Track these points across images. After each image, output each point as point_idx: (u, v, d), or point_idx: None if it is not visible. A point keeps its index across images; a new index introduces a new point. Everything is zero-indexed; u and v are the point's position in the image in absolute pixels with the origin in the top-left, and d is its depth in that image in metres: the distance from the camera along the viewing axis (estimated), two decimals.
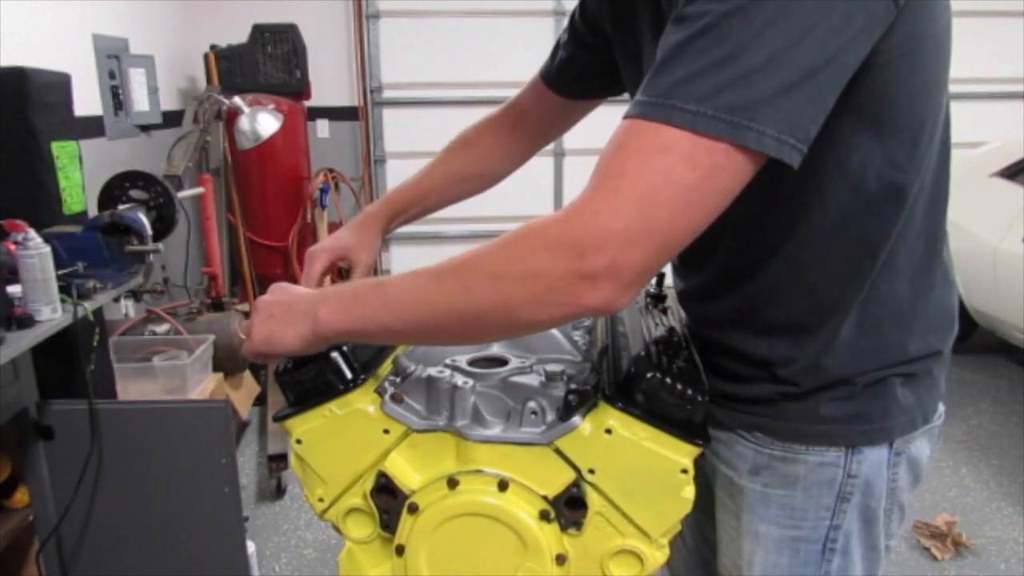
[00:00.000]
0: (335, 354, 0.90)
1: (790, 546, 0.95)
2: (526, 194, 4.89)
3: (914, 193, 0.83)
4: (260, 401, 3.30)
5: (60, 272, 1.62)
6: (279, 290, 0.86)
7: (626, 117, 0.70)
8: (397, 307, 0.75)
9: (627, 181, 0.67)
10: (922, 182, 0.83)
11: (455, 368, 0.94)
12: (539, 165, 4.82)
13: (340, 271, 1.20)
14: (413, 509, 0.89)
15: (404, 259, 4.88)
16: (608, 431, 0.84)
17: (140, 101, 3.46)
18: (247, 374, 3.12)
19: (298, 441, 0.93)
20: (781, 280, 0.87)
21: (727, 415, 0.97)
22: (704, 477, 1.06)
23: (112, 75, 3.18)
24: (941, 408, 0.97)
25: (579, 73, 1.18)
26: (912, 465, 0.95)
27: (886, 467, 0.92)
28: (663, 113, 0.66)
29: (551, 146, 4.77)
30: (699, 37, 0.65)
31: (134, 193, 2.11)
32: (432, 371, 0.91)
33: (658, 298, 1.16)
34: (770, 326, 0.90)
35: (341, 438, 0.91)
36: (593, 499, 0.87)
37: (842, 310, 0.86)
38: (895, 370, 0.90)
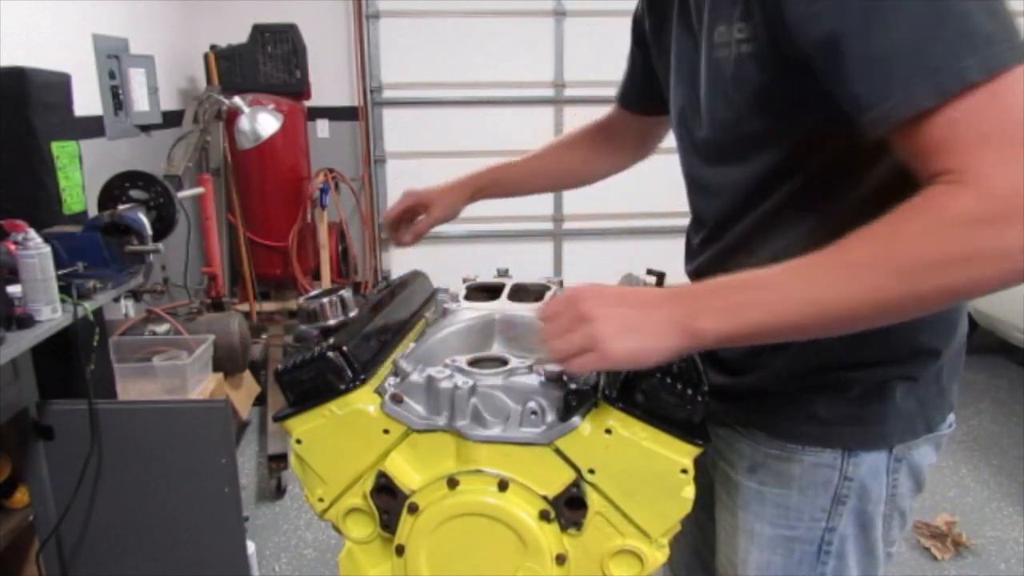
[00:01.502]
0: (335, 354, 0.90)
1: (784, 546, 0.95)
2: None
3: None
4: (260, 401, 3.30)
5: (60, 272, 1.62)
6: (611, 298, 0.76)
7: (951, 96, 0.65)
8: (806, 305, 0.70)
9: None
10: None
11: (455, 368, 0.94)
12: None
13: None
14: (413, 509, 0.89)
15: (404, 259, 4.88)
16: (608, 431, 0.84)
17: (140, 101, 3.46)
18: (247, 374, 3.12)
19: (298, 441, 0.92)
20: (795, 254, 0.77)
21: (727, 410, 0.97)
22: (706, 476, 1.06)
23: (112, 75, 3.18)
24: (951, 418, 0.96)
25: (640, 82, 1.18)
26: (914, 472, 0.94)
27: (885, 472, 0.92)
28: (1010, 56, 0.64)
29: None
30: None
31: (134, 193, 2.11)
32: (432, 371, 0.91)
33: None
34: None
35: (341, 438, 0.91)
36: (593, 499, 0.87)
37: None
38: (896, 371, 0.89)
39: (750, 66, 0.80)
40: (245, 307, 4.08)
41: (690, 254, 1.05)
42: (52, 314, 1.56)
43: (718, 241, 0.96)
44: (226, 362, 2.85)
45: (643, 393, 0.83)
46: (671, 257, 1.25)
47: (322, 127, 4.65)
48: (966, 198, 0.64)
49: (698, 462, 1.02)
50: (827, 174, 0.83)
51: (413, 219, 1.34)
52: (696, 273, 1.02)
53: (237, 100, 3.04)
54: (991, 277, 0.64)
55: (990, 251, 0.63)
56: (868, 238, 0.68)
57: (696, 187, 1.00)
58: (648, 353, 0.74)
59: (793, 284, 0.71)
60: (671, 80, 0.99)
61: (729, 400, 0.97)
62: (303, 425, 0.92)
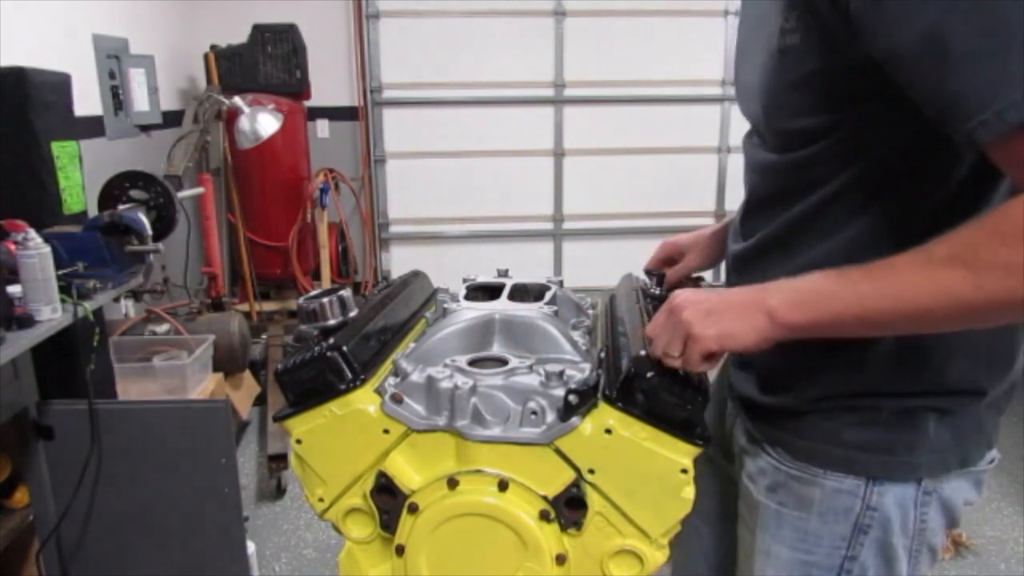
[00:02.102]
0: (335, 354, 0.90)
1: (801, 570, 0.92)
2: (526, 194, 4.90)
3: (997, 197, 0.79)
4: (260, 401, 3.30)
5: (60, 272, 1.62)
6: (692, 293, 0.83)
7: None
8: (884, 299, 0.72)
9: None
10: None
11: (455, 368, 0.94)
12: (539, 165, 4.82)
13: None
14: (413, 509, 0.89)
15: (404, 259, 4.89)
16: (608, 431, 0.84)
17: (140, 101, 3.46)
18: (247, 374, 3.12)
19: (298, 441, 0.92)
20: (836, 261, 0.78)
21: (757, 427, 0.95)
22: (729, 483, 1.06)
23: (112, 75, 3.18)
24: (991, 454, 0.92)
25: None
26: (945, 507, 0.90)
27: (913, 506, 0.88)
28: None
29: (551, 146, 4.78)
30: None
31: (134, 193, 2.10)
32: (432, 371, 0.91)
33: (660, 299, 1.15)
34: None
35: (341, 438, 0.91)
36: (593, 499, 0.87)
37: None
38: (928, 402, 0.85)
39: (793, 58, 0.80)
40: (245, 307, 4.08)
41: (734, 237, 1.03)
42: (52, 314, 1.56)
43: (758, 231, 0.94)
44: (226, 362, 2.85)
45: (643, 393, 0.83)
46: None
47: (322, 127, 4.65)
48: None
49: (727, 473, 1.02)
50: (872, 177, 0.81)
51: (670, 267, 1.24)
52: (736, 258, 0.99)
53: (237, 100, 3.04)
54: None
55: None
56: (950, 238, 0.69)
57: (748, 169, 0.99)
58: (732, 336, 0.78)
59: (870, 277, 0.73)
60: (736, 59, 1.00)
61: (758, 415, 0.95)
62: (303, 425, 0.92)
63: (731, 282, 1.00)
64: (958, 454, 0.88)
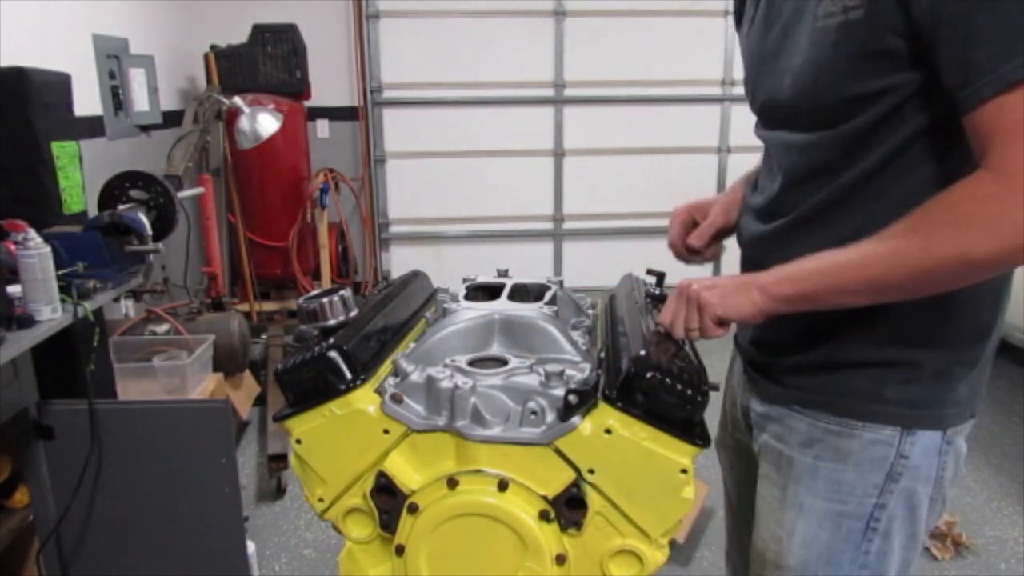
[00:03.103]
0: (335, 354, 0.90)
1: (833, 520, 0.97)
2: (526, 194, 4.91)
3: None
4: (260, 401, 3.30)
5: (60, 272, 1.62)
6: (695, 278, 0.96)
7: (996, 94, 0.75)
8: (852, 269, 0.84)
9: None
10: None
11: (455, 368, 0.94)
12: (539, 165, 4.82)
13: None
14: (413, 509, 0.89)
15: (404, 259, 4.89)
16: (608, 431, 0.84)
17: (140, 101, 3.46)
18: (247, 374, 3.12)
19: (298, 441, 0.93)
20: (876, 227, 0.85)
21: (783, 392, 1.00)
22: (745, 457, 1.10)
23: (112, 75, 3.18)
24: (978, 407, 0.98)
25: None
26: (957, 457, 0.97)
27: (937, 454, 0.94)
28: None
29: (551, 146, 4.78)
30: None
31: (134, 193, 2.10)
32: (432, 371, 0.91)
33: (658, 299, 1.16)
34: None
35: (341, 438, 0.91)
36: (593, 499, 0.87)
37: None
38: (963, 355, 0.92)
39: (857, 30, 0.83)
40: (245, 307, 4.08)
41: (758, 218, 1.04)
42: (52, 314, 1.56)
43: (799, 205, 0.96)
44: (226, 362, 2.84)
45: (643, 393, 0.83)
46: (671, 257, 1.25)
47: (322, 127, 4.65)
48: (987, 177, 0.76)
49: (744, 447, 1.06)
50: (919, 140, 0.86)
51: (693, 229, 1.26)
52: (766, 237, 1.01)
53: (237, 100, 3.04)
54: (992, 245, 0.76)
55: (994, 221, 0.75)
56: (910, 213, 0.80)
57: (779, 151, 1.00)
58: (734, 305, 0.91)
59: (844, 252, 0.84)
60: (755, 49, 1.01)
61: (787, 378, 0.99)
62: (303, 425, 0.92)
63: (754, 263, 1.00)
64: (971, 406, 0.96)
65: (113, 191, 2.11)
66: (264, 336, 3.61)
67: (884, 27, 0.81)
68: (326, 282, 4.19)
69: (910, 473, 0.94)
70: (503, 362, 0.96)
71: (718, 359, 1.17)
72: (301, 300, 1.02)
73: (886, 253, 0.81)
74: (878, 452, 0.94)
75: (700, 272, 1.20)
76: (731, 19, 4.72)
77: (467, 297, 1.18)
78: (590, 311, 1.21)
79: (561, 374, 0.90)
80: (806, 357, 0.97)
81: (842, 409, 0.95)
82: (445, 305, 1.15)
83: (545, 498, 0.87)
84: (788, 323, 0.94)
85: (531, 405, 0.88)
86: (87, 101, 2.95)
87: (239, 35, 3.98)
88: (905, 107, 0.85)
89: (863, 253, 0.83)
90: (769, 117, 1.02)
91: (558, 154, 4.80)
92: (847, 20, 0.84)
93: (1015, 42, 0.73)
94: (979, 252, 0.77)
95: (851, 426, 0.94)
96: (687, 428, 0.84)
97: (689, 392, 0.83)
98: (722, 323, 0.92)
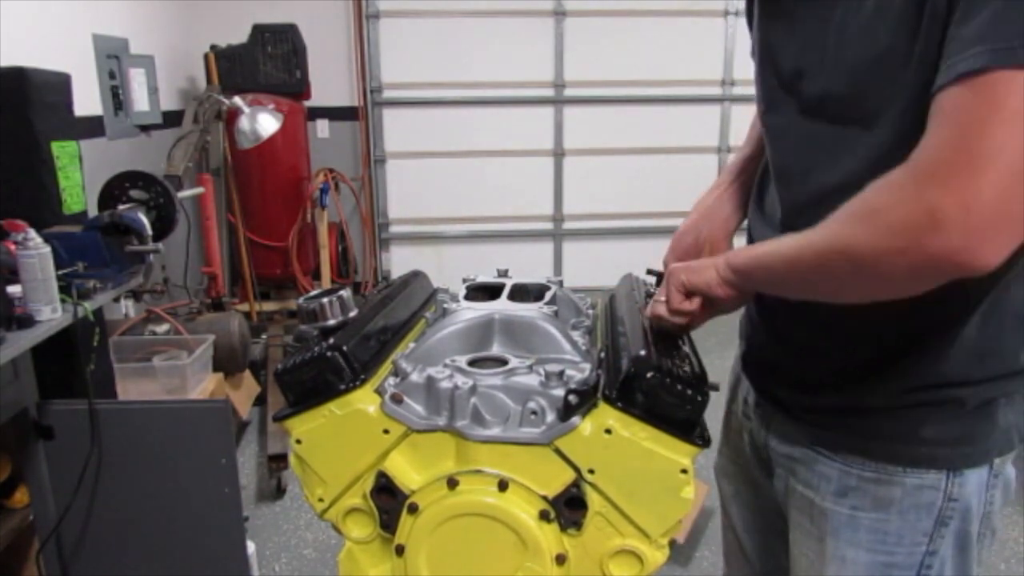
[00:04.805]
0: (335, 354, 0.90)
1: (881, 572, 0.90)
2: (526, 194, 4.91)
3: None
4: (260, 401, 3.30)
5: (60, 272, 1.62)
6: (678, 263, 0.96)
7: (961, 76, 0.65)
8: (799, 248, 0.78)
9: (1004, 157, 0.62)
10: None
11: (455, 368, 0.94)
12: (539, 165, 4.82)
13: None
14: (413, 509, 0.89)
15: (404, 259, 4.89)
16: (608, 431, 0.84)
17: (140, 101, 3.46)
18: (247, 374, 3.12)
19: (298, 441, 0.93)
20: None
21: (808, 432, 0.93)
22: (773, 500, 1.03)
23: (112, 75, 3.18)
24: None
25: None
26: (1006, 486, 0.90)
27: (985, 489, 0.88)
28: None
29: (551, 146, 4.78)
30: None
31: (134, 193, 2.10)
32: (432, 371, 0.91)
33: None
34: (878, 309, 0.77)
35: (341, 438, 0.91)
36: (593, 499, 0.87)
37: (971, 304, 0.81)
38: (1005, 387, 0.85)
39: (882, 21, 0.75)
40: (245, 307, 4.08)
41: (762, 221, 0.99)
42: (52, 314, 1.56)
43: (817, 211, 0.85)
44: (226, 362, 2.84)
45: (643, 393, 0.83)
46: None
47: (322, 127, 4.65)
48: (904, 164, 0.68)
49: (753, 479, 1.01)
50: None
51: None
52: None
53: (237, 100, 3.04)
54: (870, 238, 0.69)
55: (880, 211, 0.69)
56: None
57: (805, 148, 0.89)
58: (696, 271, 0.90)
59: (798, 233, 0.78)
60: (782, 37, 0.90)
61: (811, 419, 0.93)
62: (303, 425, 0.92)
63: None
64: (1018, 430, 0.88)
65: (113, 191, 2.11)
66: (264, 336, 3.61)
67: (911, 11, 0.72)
68: (326, 282, 4.19)
69: (960, 515, 0.87)
70: (503, 362, 0.96)
71: (718, 359, 1.17)
72: (301, 300, 1.02)
73: (805, 238, 0.76)
74: (924, 498, 0.86)
75: None
76: (731, 19, 4.74)
77: (467, 297, 1.18)
78: (590, 311, 1.21)
79: (561, 374, 0.90)
80: (830, 399, 0.91)
81: (879, 454, 0.87)
82: (445, 305, 1.15)
83: (545, 498, 0.87)
84: (810, 360, 0.91)
85: (531, 405, 0.88)
86: (87, 101, 2.95)
87: (239, 35, 3.98)
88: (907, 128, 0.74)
89: (810, 234, 0.76)
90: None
91: (558, 154, 4.80)
92: (879, 7, 0.75)
93: (987, 30, 0.64)
94: (858, 244, 0.70)
95: (891, 472, 0.87)
96: (687, 428, 0.84)
97: (689, 392, 0.83)
98: (689, 293, 0.90)
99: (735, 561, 1.22)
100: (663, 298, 0.94)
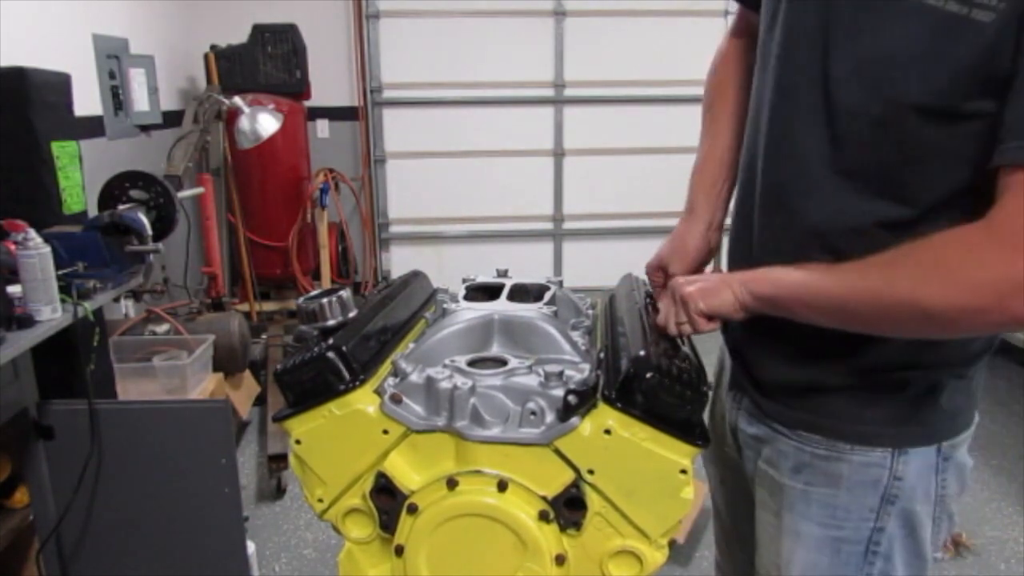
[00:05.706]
0: (334, 354, 0.90)
1: (831, 546, 0.95)
2: (526, 194, 4.91)
3: None
4: (260, 401, 3.30)
5: (60, 272, 1.62)
6: (685, 276, 0.98)
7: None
8: (825, 289, 0.82)
9: None
10: None
11: (455, 369, 0.94)
12: (539, 165, 4.82)
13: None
14: (413, 509, 0.89)
15: (404, 259, 4.89)
16: (607, 431, 0.84)
17: (140, 101, 3.46)
18: (247, 374, 3.12)
19: (298, 441, 0.93)
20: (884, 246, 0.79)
21: (773, 411, 0.97)
22: (741, 474, 1.07)
23: (112, 75, 3.18)
24: (976, 415, 0.96)
25: None
26: (959, 471, 0.94)
27: (935, 472, 0.91)
28: None
29: (551, 146, 4.77)
30: None
31: (134, 193, 2.10)
32: (431, 372, 0.91)
33: None
34: None
35: (341, 439, 0.91)
36: (592, 499, 0.87)
37: None
38: (954, 371, 0.89)
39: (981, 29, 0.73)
40: (245, 307, 4.08)
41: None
42: (52, 314, 1.56)
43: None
44: (226, 362, 2.84)
45: (643, 393, 0.83)
46: None
47: (322, 127, 4.65)
48: (979, 225, 0.73)
49: (733, 463, 1.03)
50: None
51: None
52: None
53: (237, 100, 3.04)
54: (946, 297, 0.73)
55: (957, 271, 0.73)
56: (902, 249, 0.77)
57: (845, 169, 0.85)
58: (714, 294, 0.91)
59: (826, 269, 0.82)
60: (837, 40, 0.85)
61: (775, 398, 0.97)
62: (303, 425, 0.92)
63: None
64: (965, 416, 0.93)
65: (113, 191, 2.11)
66: (264, 336, 3.61)
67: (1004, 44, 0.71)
68: (326, 282, 4.19)
69: (906, 494, 0.91)
70: (502, 362, 0.96)
71: (717, 359, 1.17)
72: (301, 300, 1.02)
73: (858, 280, 0.79)
74: (870, 475, 0.91)
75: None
76: (731, 19, 4.72)
77: (467, 297, 1.18)
78: (590, 311, 1.21)
79: (560, 374, 0.90)
80: (790, 375, 0.95)
81: (829, 431, 0.92)
82: (445, 305, 1.15)
83: (545, 498, 0.87)
84: (773, 341, 0.94)
85: (530, 405, 0.88)
86: (87, 101, 2.95)
87: (239, 35, 3.98)
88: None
89: (842, 275, 0.80)
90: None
91: (558, 154, 4.79)
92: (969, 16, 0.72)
93: None
94: (930, 301, 0.74)
95: (840, 449, 0.92)
96: (687, 428, 0.84)
97: (688, 392, 0.83)
98: (709, 318, 0.92)
99: (725, 547, 1.26)
100: (672, 316, 0.95)
